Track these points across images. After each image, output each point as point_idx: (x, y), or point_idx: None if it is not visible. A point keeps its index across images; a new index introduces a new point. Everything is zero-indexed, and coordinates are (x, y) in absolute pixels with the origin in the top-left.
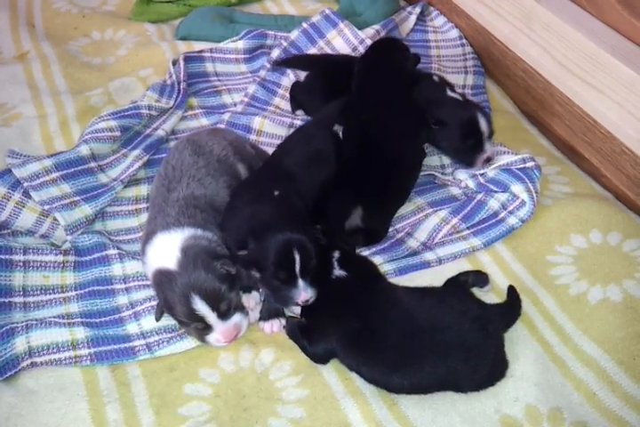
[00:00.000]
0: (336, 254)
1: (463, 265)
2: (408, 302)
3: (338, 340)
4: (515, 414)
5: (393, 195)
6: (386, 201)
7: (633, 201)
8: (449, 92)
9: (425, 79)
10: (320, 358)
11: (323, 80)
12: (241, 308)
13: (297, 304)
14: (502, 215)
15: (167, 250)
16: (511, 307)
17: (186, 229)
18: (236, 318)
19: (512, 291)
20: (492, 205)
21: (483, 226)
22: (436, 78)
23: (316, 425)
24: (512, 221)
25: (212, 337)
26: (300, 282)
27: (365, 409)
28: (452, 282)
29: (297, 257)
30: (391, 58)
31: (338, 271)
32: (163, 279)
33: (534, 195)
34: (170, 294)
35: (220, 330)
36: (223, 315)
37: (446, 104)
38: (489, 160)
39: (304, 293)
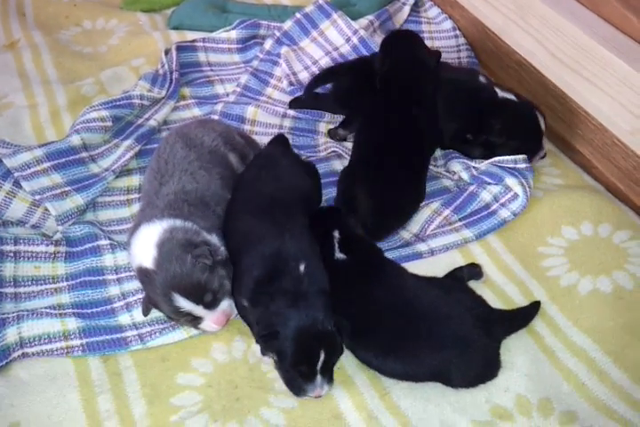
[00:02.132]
0: (336, 235)
1: (455, 256)
2: (412, 289)
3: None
4: (505, 404)
5: (405, 194)
6: (397, 200)
7: (624, 193)
8: (500, 92)
9: (471, 77)
10: None
11: (362, 81)
12: (228, 292)
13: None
14: (494, 207)
15: (145, 246)
16: (519, 315)
17: (165, 221)
18: (224, 304)
19: (533, 306)
20: (484, 197)
21: (475, 218)
22: (482, 79)
23: (308, 415)
24: (504, 214)
25: (204, 325)
26: (319, 378)
27: (357, 399)
28: (452, 278)
29: (322, 354)
30: (415, 55)
31: (339, 254)
32: (143, 278)
33: (527, 189)
34: (152, 293)
35: (209, 319)
36: (210, 305)
37: (504, 109)
38: (544, 156)
39: (319, 389)
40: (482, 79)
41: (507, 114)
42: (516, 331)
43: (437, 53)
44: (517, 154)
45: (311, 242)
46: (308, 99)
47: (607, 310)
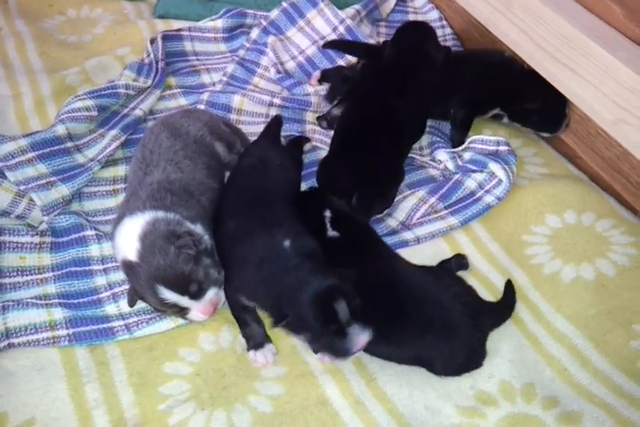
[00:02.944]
0: (327, 214)
1: (440, 245)
2: (403, 270)
3: None
4: (489, 390)
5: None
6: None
7: (607, 182)
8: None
9: (498, 54)
10: None
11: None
12: (213, 281)
13: (357, 351)
14: (479, 194)
15: (128, 239)
16: (504, 307)
17: (147, 213)
18: (211, 293)
19: (509, 291)
20: (469, 185)
21: (460, 205)
22: (507, 54)
23: (295, 402)
24: (488, 199)
25: (191, 315)
26: (352, 328)
27: (343, 385)
28: (441, 268)
29: (339, 306)
30: (421, 45)
31: (331, 232)
32: (128, 271)
33: (510, 174)
34: (137, 285)
35: (197, 309)
36: (196, 295)
37: (534, 78)
38: (568, 124)
39: (361, 337)
40: (507, 54)
41: (537, 82)
42: (503, 323)
43: (447, 49)
44: (546, 124)
45: (294, 221)
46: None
47: (589, 297)
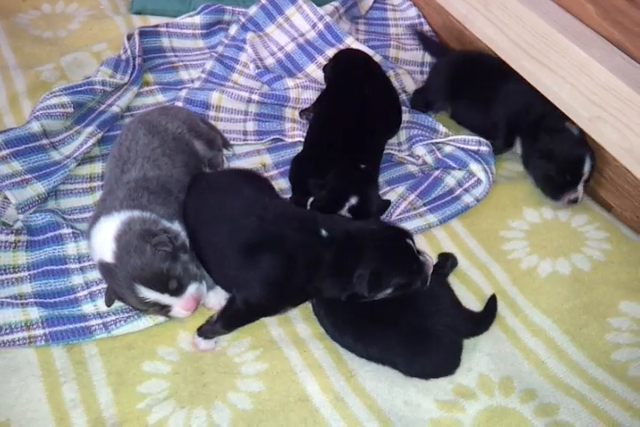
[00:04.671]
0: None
1: (420, 241)
2: None
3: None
4: (468, 384)
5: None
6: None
7: None
8: (567, 125)
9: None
10: None
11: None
12: (193, 276)
13: None
14: (458, 192)
15: (104, 240)
16: (483, 320)
17: (123, 213)
18: (191, 288)
19: (492, 303)
20: (449, 182)
21: (439, 203)
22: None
23: (275, 398)
24: (467, 199)
25: (174, 312)
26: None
27: (323, 382)
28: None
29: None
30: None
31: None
32: (106, 272)
33: (490, 175)
34: (116, 286)
35: (178, 306)
36: (176, 292)
37: (562, 135)
38: (575, 201)
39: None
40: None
41: (557, 139)
42: (478, 334)
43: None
44: (549, 182)
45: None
46: None
47: (565, 292)
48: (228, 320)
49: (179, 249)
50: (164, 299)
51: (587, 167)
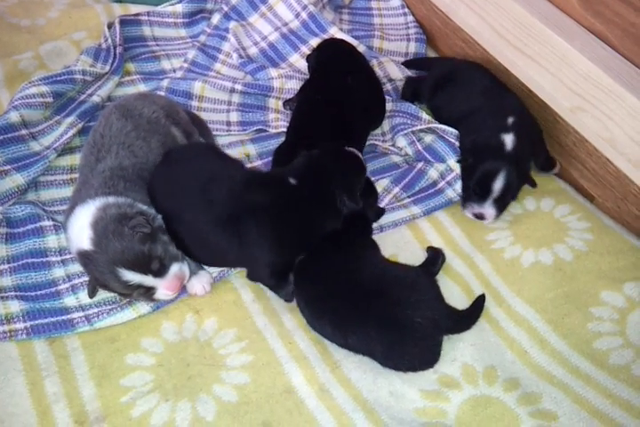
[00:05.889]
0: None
1: (404, 232)
2: (373, 264)
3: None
4: (452, 374)
5: None
6: None
7: (564, 168)
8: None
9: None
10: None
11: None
12: (174, 256)
13: None
14: (441, 185)
15: (80, 229)
16: (466, 318)
17: (97, 200)
18: (174, 268)
19: (479, 302)
20: (432, 175)
21: (423, 195)
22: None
23: (261, 390)
24: (451, 194)
25: (159, 294)
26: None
27: (309, 373)
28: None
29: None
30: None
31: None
32: (85, 261)
33: None
34: (97, 273)
35: (162, 286)
36: (159, 272)
37: (488, 149)
38: (480, 217)
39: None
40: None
41: (481, 151)
42: (459, 332)
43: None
44: (465, 188)
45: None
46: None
47: (548, 281)
48: (276, 286)
49: (157, 230)
50: (148, 280)
51: (497, 185)
